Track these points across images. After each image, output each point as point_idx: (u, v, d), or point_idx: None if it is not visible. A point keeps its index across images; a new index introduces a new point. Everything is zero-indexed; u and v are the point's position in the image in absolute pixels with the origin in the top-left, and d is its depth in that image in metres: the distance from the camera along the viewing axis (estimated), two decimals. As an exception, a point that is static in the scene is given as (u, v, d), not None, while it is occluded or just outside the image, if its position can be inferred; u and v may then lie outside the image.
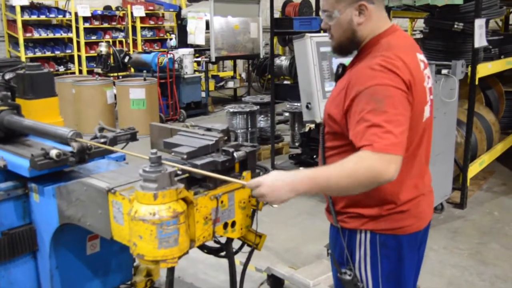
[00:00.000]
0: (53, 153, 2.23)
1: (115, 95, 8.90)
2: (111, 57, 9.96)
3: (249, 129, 7.00)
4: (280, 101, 7.23)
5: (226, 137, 2.27)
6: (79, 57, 11.68)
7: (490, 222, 4.92)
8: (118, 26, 12.51)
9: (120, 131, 2.61)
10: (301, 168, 2.05)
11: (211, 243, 2.29)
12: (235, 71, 13.43)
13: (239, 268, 2.55)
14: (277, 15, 11.43)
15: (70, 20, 11.48)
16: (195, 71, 10.52)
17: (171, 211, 1.81)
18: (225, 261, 2.53)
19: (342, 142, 1.90)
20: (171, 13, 13.60)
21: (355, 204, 1.94)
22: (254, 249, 2.43)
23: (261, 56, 11.77)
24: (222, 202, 2.05)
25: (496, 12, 5.59)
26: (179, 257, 1.89)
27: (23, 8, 10.52)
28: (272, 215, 4.92)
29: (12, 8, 10.57)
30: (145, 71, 9.32)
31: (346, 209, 1.98)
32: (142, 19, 12.74)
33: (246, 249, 2.47)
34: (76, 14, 11.41)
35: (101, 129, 2.63)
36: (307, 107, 3.03)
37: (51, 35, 11.21)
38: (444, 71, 4.58)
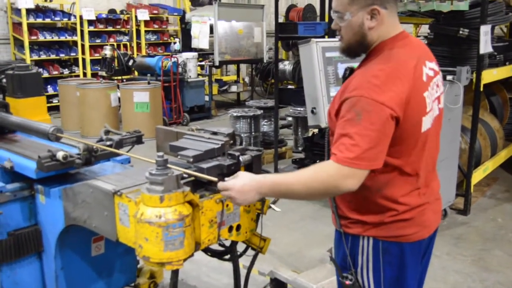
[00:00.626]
0: (60, 155, 2.25)
1: (119, 98, 8.92)
2: (116, 60, 10.00)
3: (253, 133, 7.02)
4: (284, 105, 7.24)
5: (232, 141, 2.28)
6: (84, 60, 11.72)
7: (493, 229, 4.91)
8: (123, 29, 12.55)
9: (126, 134, 2.62)
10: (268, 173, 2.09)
11: (215, 246, 2.30)
12: (238, 75, 13.46)
13: (242, 272, 2.55)
14: (281, 19, 11.46)
15: (75, 23, 11.52)
16: (198, 75, 10.55)
17: (177, 213, 1.82)
18: (228, 264, 2.54)
19: None
20: (175, 17, 13.64)
21: (357, 210, 1.95)
22: (259, 253, 2.43)
23: (265, 61, 11.80)
24: (227, 205, 2.06)
25: (502, 18, 5.60)
26: (184, 260, 1.90)
27: (28, 11, 10.57)
28: (275, 219, 4.93)
29: (17, 11, 10.62)
30: (149, 74, 9.35)
31: (349, 214, 1.98)
32: (146, 23, 12.79)
33: (250, 252, 2.47)
34: (81, 17, 11.45)
35: (107, 132, 2.64)
36: (312, 112, 3.03)
37: (56, 38, 11.25)
38: (449, 77, 4.59)
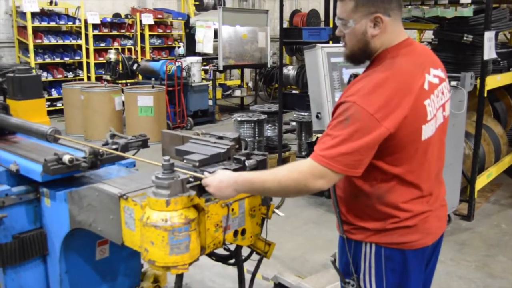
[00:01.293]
0: (66, 158, 2.26)
1: (123, 102, 8.94)
2: (120, 64, 10.03)
3: (256, 137, 7.01)
4: (288, 110, 7.25)
5: (237, 146, 2.29)
6: (88, 63, 11.76)
7: (497, 235, 4.90)
8: (127, 33, 12.59)
9: (131, 137, 2.63)
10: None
11: (219, 250, 2.30)
12: (242, 80, 13.48)
13: (246, 276, 2.55)
14: (285, 25, 11.49)
15: (80, 27, 11.56)
16: (202, 79, 10.57)
17: (183, 217, 1.83)
18: (231, 269, 2.54)
19: None
20: (180, 22, 13.69)
21: (359, 216, 1.95)
22: (263, 257, 2.43)
23: (269, 66, 11.82)
24: (233, 210, 2.07)
25: (506, 25, 5.60)
26: (190, 264, 1.90)
27: (33, 15, 10.62)
28: (278, 224, 4.93)
29: (23, 15, 10.67)
30: (153, 78, 9.37)
31: (351, 220, 1.98)
32: (150, 27, 12.83)
33: (254, 257, 2.47)
34: (85, 21, 11.49)
35: (113, 136, 2.65)
36: (317, 116, 3.04)
37: (60, 42, 11.29)
38: (453, 83, 4.59)
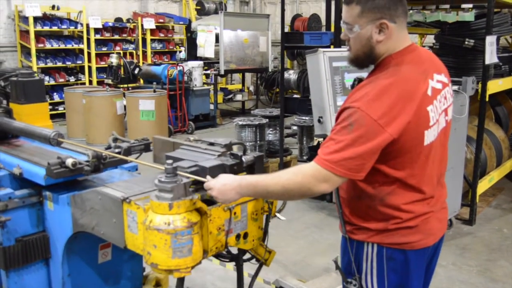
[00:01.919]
0: (69, 162, 2.26)
1: (124, 106, 8.96)
2: (121, 68, 10.05)
3: (258, 142, 7.02)
4: (289, 114, 7.26)
5: (229, 152, 2.26)
6: (90, 68, 11.79)
7: (499, 239, 4.89)
8: (129, 38, 12.63)
9: (134, 141, 2.64)
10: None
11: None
12: (243, 84, 13.50)
13: (246, 280, 2.55)
14: (286, 29, 11.51)
15: (82, 32, 11.60)
16: (204, 83, 10.58)
17: (185, 221, 1.84)
18: (233, 273, 2.54)
19: None
20: (181, 26, 13.73)
21: (362, 217, 1.97)
22: (263, 264, 2.43)
23: (270, 70, 11.84)
24: (235, 213, 2.06)
25: (507, 29, 5.62)
26: (192, 267, 1.91)
27: (36, 19, 10.66)
28: (280, 228, 4.93)
29: (25, 19, 10.71)
30: (154, 82, 9.40)
31: (354, 221, 2.00)
32: (152, 32, 12.86)
33: (256, 262, 2.47)
34: (87, 25, 11.53)
35: (115, 139, 2.66)
36: (319, 121, 3.05)
37: (62, 46, 11.33)
38: (454, 88, 4.60)
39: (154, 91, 8.97)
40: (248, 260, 2.47)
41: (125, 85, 10.13)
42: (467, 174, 5.20)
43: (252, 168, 2.18)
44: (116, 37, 12.37)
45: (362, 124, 1.74)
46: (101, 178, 2.53)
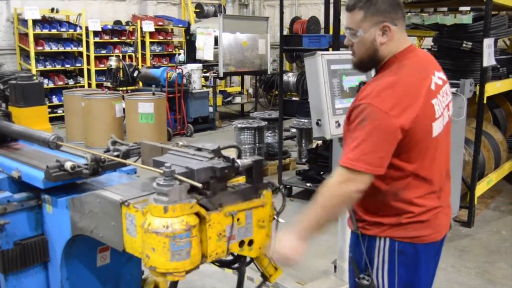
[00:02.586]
0: (68, 165, 2.27)
1: (123, 109, 8.96)
2: (121, 71, 10.06)
3: (257, 144, 7.04)
4: (288, 117, 7.27)
5: (217, 157, 2.23)
6: (89, 70, 11.79)
7: (497, 241, 4.90)
8: (128, 40, 12.64)
9: (132, 144, 2.64)
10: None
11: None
12: (242, 87, 13.52)
13: (247, 282, 2.55)
14: (285, 32, 11.53)
15: (81, 34, 11.61)
16: (203, 86, 10.60)
17: (184, 224, 1.84)
18: (231, 275, 2.53)
19: None
20: (180, 29, 13.74)
21: (374, 212, 2.03)
22: (266, 281, 2.37)
23: (269, 72, 11.85)
24: (238, 219, 2.01)
25: (505, 31, 5.63)
26: (189, 271, 1.90)
27: (35, 22, 10.66)
28: (279, 230, 4.91)
29: (24, 22, 10.71)
30: (153, 85, 9.40)
31: (366, 216, 2.06)
32: (151, 34, 12.87)
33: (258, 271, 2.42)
34: (86, 28, 11.54)
35: (114, 142, 2.66)
36: (317, 123, 3.05)
37: (61, 49, 11.33)
38: (452, 90, 4.59)
39: (153, 94, 8.98)
40: (248, 263, 2.45)
41: (124, 88, 10.14)
42: (466, 176, 5.20)
43: (250, 172, 2.13)
44: (115, 40, 12.38)
45: (374, 118, 1.83)
46: (100, 181, 2.53)
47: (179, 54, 13.03)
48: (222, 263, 2.44)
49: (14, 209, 2.43)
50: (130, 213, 2.01)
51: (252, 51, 11.17)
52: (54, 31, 11.18)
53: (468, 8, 5.55)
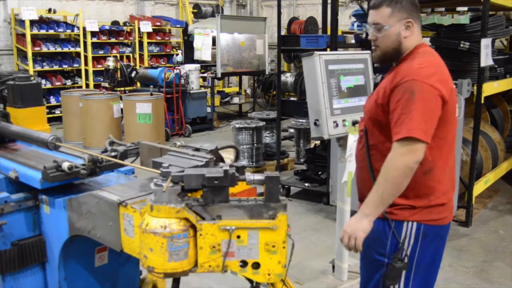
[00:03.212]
0: (65, 165, 2.27)
1: (121, 109, 8.96)
2: (118, 71, 10.04)
3: (255, 144, 7.04)
4: (286, 117, 7.27)
5: (214, 158, 2.23)
6: (87, 71, 11.78)
7: (495, 241, 4.91)
8: (125, 41, 12.63)
9: (130, 145, 2.64)
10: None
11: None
12: (240, 87, 13.51)
13: (246, 283, 2.55)
14: (282, 32, 11.55)
15: (78, 35, 11.60)
16: (201, 86, 10.59)
17: (181, 224, 1.84)
18: (230, 276, 2.52)
19: (383, 138, 2.16)
20: (178, 29, 13.74)
21: (405, 196, 2.12)
22: None
23: (267, 73, 11.85)
24: (239, 237, 1.87)
25: (502, 32, 5.64)
26: (189, 270, 1.90)
27: (32, 23, 10.65)
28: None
29: (21, 22, 10.70)
30: (151, 86, 9.39)
31: (398, 200, 2.14)
32: (149, 35, 12.87)
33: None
34: (84, 29, 11.52)
35: (111, 143, 2.66)
36: (315, 123, 3.06)
37: (59, 49, 11.31)
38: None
39: (151, 94, 8.97)
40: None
41: (122, 88, 10.13)
42: (463, 176, 5.21)
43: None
44: (113, 40, 12.37)
45: (422, 90, 2.01)
46: (98, 182, 2.53)
47: (177, 54, 13.03)
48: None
49: (11, 209, 2.43)
50: (128, 214, 2.01)
51: (250, 51, 11.17)
52: (51, 31, 11.17)
53: (466, 8, 5.55)
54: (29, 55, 10.59)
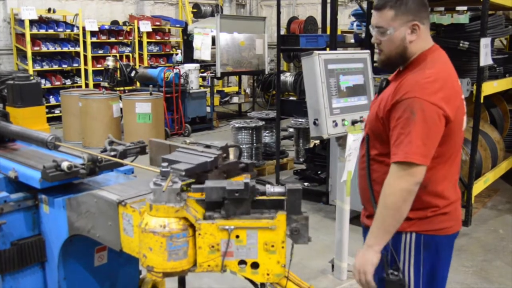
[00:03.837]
0: (65, 165, 2.26)
1: (121, 109, 8.96)
2: (118, 71, 10.04)
3: (254, 144, 7.04)
4: (286, 117, 7.28)
5: (224, 154, 2.24)
6: (86, 71, 11.78)
7: (494, 240, 4.91)
8: (125, 41, 12.63)
9: (129, 144, 2.64)
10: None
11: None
12: (240, 87, 13.51)
13: (245, 282, 2.55)
14: (282, 32, 11.55)
15: (78, 35, 11.60)
16: (200, 86, 10.59)
17: (181, 223, 1.84)
18: (230, 275, 2.53)
19: (385, 150, 2.05)
20: (177, 29, 13.74)
21: None
22: None
23: (266, 72, 11.85)
24: (237, 236, 1.87)
25: (501, 31, 5.64)
26: (188, 270, 1.90)
27: (32, 22, 10.65)
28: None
29: (21, 22, 10.70)
30: (151, 85, 9.39)
31: None
32: (148, 34, 12.87)
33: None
34: (83, 28, 11.53)
35: (111, 142, 2.66)
36: (314, 123, 3.06)
37: (58, 49, 11.31)
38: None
39: (151, 94, 8.98)
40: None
41: (122, 88, 10.13)
42: (463, 175, 5.21)
43: (281, 204, 1.95)
44: (113, 40, 12.37)
45: (424, 110, 1.89)
46: (97, 181, 2.52)
47: (177, 54, 13.03)
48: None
49: (11, 209, 2.42)
50: (127, 213, 2.01)
51: (250, 51, 11.17)
52: (51, 31, 11.16)
53: (465, 8, 5.55)
54: (29, 54, 10.59)
